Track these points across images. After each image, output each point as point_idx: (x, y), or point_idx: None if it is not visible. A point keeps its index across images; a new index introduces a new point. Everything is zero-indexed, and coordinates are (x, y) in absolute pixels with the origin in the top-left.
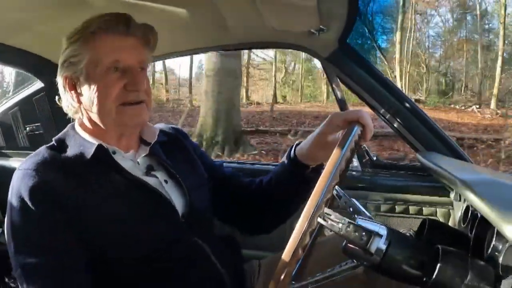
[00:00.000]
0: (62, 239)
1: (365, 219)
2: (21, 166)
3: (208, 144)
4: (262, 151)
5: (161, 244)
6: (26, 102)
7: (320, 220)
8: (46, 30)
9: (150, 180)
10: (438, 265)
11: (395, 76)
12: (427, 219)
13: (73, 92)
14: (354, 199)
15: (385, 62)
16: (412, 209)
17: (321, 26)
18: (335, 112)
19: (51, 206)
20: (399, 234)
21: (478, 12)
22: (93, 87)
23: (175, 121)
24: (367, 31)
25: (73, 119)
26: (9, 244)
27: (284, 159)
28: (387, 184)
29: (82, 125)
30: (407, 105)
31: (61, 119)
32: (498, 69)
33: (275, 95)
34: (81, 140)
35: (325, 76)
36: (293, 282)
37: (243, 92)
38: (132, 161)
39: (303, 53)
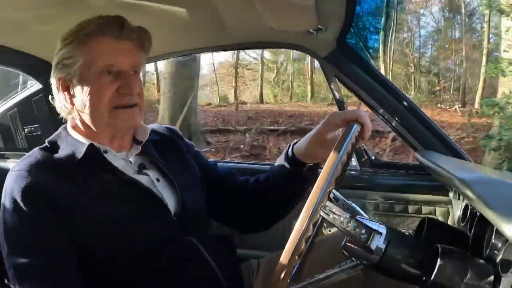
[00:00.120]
0: (54, 240)
1: (365, 218)
2: (14, 168)
3: None
4: (212, 149)
5: (153, 243)
6: (24, 103)
7: (322, 213)
8: (44, 31)
9: (142, 179)
10: (438, 264)
11: None
12: (426, 218)
13: (66, 93)
14: (352, 202)
15: (372, 62)
16: (411, 208)
17: (319, 26)
18: (333, 111)
19: (43, 207)
20: (398, 233)
21: (463, 11)
22: (86, 90)
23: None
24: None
25: (65, 120)
26: (3, 245)
27: (281, 157)
28: (386, 183)
29: (75, 126)
30: (406, 104)
31: (60, 121)
32: (482, 69)
33: (261, 95)
34: (73, 141)
35: (309, 75)
36: (293, 282)
37: (231, 91)
38: (124, 160)
39: (294, 53)
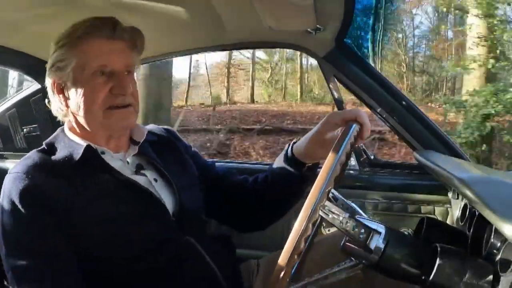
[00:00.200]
0: (52, 242)
1: (364, 218)
2: (12, 170)
3: None
4: None
5: (152, 244)
6: (23, 103)
7: (321, 213)
8: (43, 31)
9: (139, 179)
10: (437, 263)
11: None
12: (425, 217)
13: (61, 96)
14: (351, 202)
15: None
16: (410, 207)
17: (317, 26)
18: (333, 111)
19: (41, 209)
20: (397, 232)
21: (452, 10)
22: (80, 92)
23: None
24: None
25: (63, 122)
26: (1, 247)
27: (280, 157)
28: (385, 183)
29: (71, 128)
30: (404, 103)
31: (58, 121)
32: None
33: (252, 95)
34: (71, 142)
35: (299, 75)
36: (292, 282)
37: (224, 92)
38: (121, 160)
39: (287, 53)
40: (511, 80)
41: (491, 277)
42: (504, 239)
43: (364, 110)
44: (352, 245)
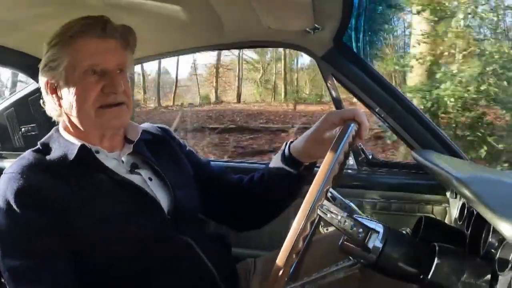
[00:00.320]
0: (48, 243)
1: (362, 217)
2: (7, 170)
3: None
4: None
5: (147, 243)
6: (21, 102)
7: (319, 212)
8: (40, 30)
9: (134, 178)
10: (435, 262)
11: None
12: (423, 217)
13: (54, 95)
14: (349, 201)
15: None
16: (408, 207)
17: (316, 25)
18: (331, 110)
19: (36, 209)
20: (395, 232)
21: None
22: (72, 91)
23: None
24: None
25: (57, 122)
26: None
27: (277, 155)
28: (383, 182)
29: (66, 128)
30: (403, 103)
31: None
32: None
33: (238, 95)
34: (65, 142)
35: (283, 75)
36: (290, 281)
37: (212, 91)
38: (116, 160)
39: (277, 53)
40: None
41: (489, 276)
42: (502, 239)
43: (363, 110)
44: (350, 245)
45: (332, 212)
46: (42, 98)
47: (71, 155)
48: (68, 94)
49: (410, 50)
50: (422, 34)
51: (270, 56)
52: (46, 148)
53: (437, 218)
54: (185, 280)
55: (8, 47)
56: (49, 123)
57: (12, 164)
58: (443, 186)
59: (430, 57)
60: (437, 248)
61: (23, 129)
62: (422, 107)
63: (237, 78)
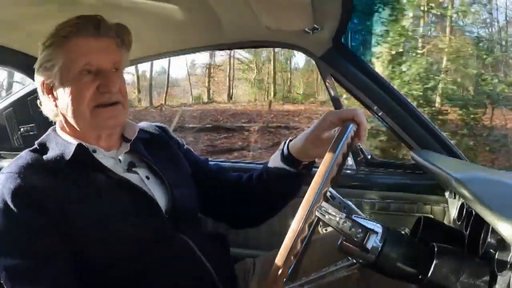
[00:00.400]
0: (46, 242)
1: (361, 217)
2: (4, 170)
3: None
4: None
5: (145, 242)
6: (20, 102)
7: (318, 214)
8: (39, 30)
9: (131, 177)
10: (434, 262)
11: None
12: (422, 217)
13: (50, 96)
14: (348, 200)
15: None
16: (407, 207)
17: (315, 25)
18: (329, 110)
19: (34, 209)
20: (394, 232)
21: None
22: (67, 91)
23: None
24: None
25: (54, 122)
26: None
27: (276, 154)
28: (382, 182)
29: (62, 127)
30: (402, 103)
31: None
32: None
33: (229, 95)
34: (62, 141)
35: (273, 75)
36: (289, 281)
37: (205, 92)
38: (113, 159)
39: (270, 53)
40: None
41: (488, 276)
42: (501, 239)
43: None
44: (349, 245)
45: (330, 214)
46: (39, 98)
47: (68, 155)
48: (64, 94)
49: (372, 48)
50: (379, 34)
51: (266, 56)
52: (43, 148)
53: (436, 218)
54: (183, 280)
55: (6, 47)
56: (47, 123)
57: (9, 164)
58: (442, 186)
59: (387, 56)
60: (436, 248)
61: (22, 129)
62: None
63: (228, 78)
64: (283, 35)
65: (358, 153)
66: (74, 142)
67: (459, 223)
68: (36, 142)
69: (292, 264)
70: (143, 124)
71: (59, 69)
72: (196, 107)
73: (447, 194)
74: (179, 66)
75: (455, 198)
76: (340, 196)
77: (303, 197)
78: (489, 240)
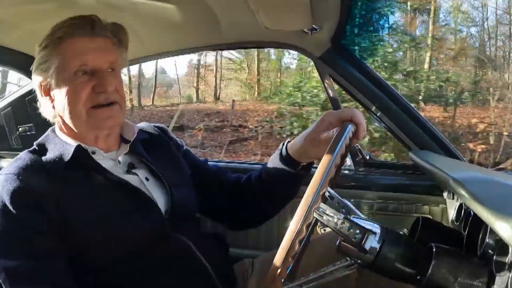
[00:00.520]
0: (45, 243)
1: (359, 218)
2: (3, 171)
3: None
4: None
5: (144, 243)
6: (18, 102)
7: (316, 215)
8: (37, 29)
9: (131, 179)
10: (432, 263)
11: None
12: (420, 217)
13: (48, 97)
14: (346, 200)
15: None
16: (405, 207)
17: (314, 26)
18: (328, 111)
19: (33, 209)
20: (392, 232)
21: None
22: (63, 92)
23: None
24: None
25: (53, 122)
26: None
27: (275, 155)
28: (380, 183)
29: (61, 128)
30: (400, 104)
31: None
32: (426, 66)
33: (215, 94)
34: (61, 142)
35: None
36: (287, 281)
37: (193, 92)
38: (112, 160)
39: (260, 53)
40: None
41: (486, 277)
42: (499, 239)
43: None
44: (347, 245)
45: (328, 214)
46: (37, 100)
47: (67, 156)
48: (60, 95)
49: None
50: None
51: (261, 57)
52: (42, 149)
53: (434, 219)
54: (182, 280)
55: (4, 46)
56: (46, 123)
57: (8, 165)
58: (440, 186)
59: None
60: (434, 248)
61: (20, 129)
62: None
63: (215, 78)
64: (282, 36)
65: (356, 153)
66: (73, 143)
67: (458, 223)
68: (35, 143)
69: (291, 264)
70: (142, 125)
71: (54, 70)
72: (181, 106)
73: (445, 194)
74: (174, 67)
75: (453, 198)
76: (338, 197)
77: (302, 197)
78: (487, 240)
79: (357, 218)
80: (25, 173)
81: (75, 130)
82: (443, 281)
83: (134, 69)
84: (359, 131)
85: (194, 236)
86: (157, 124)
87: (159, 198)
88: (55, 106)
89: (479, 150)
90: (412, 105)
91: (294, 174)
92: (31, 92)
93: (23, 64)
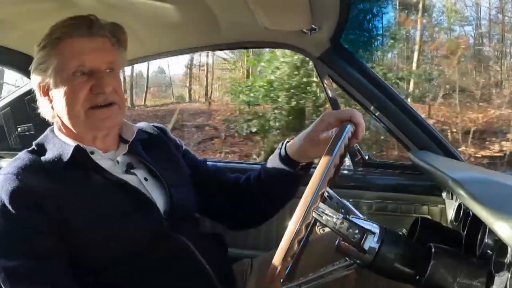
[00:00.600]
0: (45, 243)
1: (358, 218)
2: (2, 171)
3: None
4: None
5: (143, 243)
6: (18, 102)
7: (315, 215)
8: (36, 29)
9: (129, 179)
10: (431, 263)
11: None
12: (419, 217)
13: (46, 98)
14: (345, 200)
15: None
16: (404, 208)
17: (313, 26)
18: (327, 111)
19: (32, 209)
20: (391, 232)
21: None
22: (62, 93)
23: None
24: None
25: (52, 122)
26: None
27: (274, 155)
28: (379, 183)
29: (60, 128)
30: (399, 104)
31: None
32: (414, 65)
33: (206, 95)
34: (60, 142)
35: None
36: (286, 281)
37: (186, 92)
38: (111, 160)
39: (251, 53)
40: None
41: (485, 277)
42: (498, 239)
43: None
44: (347, 245)
45: (327, 214)
46: (37, 100)
47: (66, 156)
48: (58, 96)
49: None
50: None
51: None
52: (41, 149)
53: (433, 219)
54: (181, 280)
55: (3, 46)
56: (45, 123)
57: (7, 165)
58: (439, 187)
59: None
60: (433, 249)
61: (19, 129)
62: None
63: (206, 78)
64: (281, 36)
65: (355, 153)
66: (72, 143)
67: (457, 223)
68: (34, 143)
69: (290, 264)
70: (141, 125)
71: (53, 71)
72: (171, 106)
73: (444, 194)
74: (167, 67)
75: (452, 198)
76: (337, 197)
77: (301, 197)
78: (486, 240)
79: (356, 218)
80: (24, 173)
81: (74, 131)
82: (442, 281)
83: (127, 69)
84: (358, 131)
85: (194, 236)
86: (156, 124)
87: (158, 198)
88: (53, 106)
89: None
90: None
91: (293, 174)
92: (30, 92)
93: (23, 64)
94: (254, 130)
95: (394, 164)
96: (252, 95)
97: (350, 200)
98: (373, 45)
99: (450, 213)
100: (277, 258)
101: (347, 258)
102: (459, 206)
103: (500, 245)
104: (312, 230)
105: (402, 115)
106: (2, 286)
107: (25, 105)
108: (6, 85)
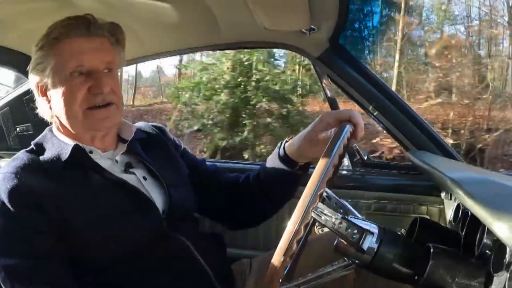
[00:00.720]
0: (44, 242)
1: (357, 218)
2: (1, 171)
3: None
4: None
5: (142, 242)
6: (16, 102)
7: (314, 215)
8: (35, 29)
9: (128, 178)
10: (430, 263)
11: None
12: (418, 218)
13: (45, 98)
14: (344, 201)
15: None
16: (403, 208)
17: (312, 26)
18: (326, 111)
19: (31, 209)
20: (390, 233)
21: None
22: (60, 93)
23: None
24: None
25: (50, 122)
26: None
27: (273, 155)
28: (378, 183)
29: (58, 128)
30: (398, 104)
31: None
32: (396, 64)
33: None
34: (58, 142)
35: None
36: (285, 282)
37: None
38: (110, 159)
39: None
40: None
41: (483, 277)
42: (496, 239)
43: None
44: (345, 245)
45: (326, 214)
46: (35, 99)
47: (65, 155)
48: (56, 96)
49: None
50: None
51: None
52: (40, 148)
53: (432, 219)
54: (180, 279)
55: (2, 46)
56: (44, 123)
57: (6, 165)
58: (438, 187)
59: None
60: (431, 249)
61: (18, 128)
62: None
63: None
64: (280, 36)
65: (354, 153)
66: (70, 143)
67: (455, 224)
68: (32, 143)
69: (288, 264)
70: (140, 124)
71: (51, 71)
72: (156, 106)
73: (443, 195)
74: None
75: (451, 199)
76: (336, 197)
77: (300, 197)
78: (485, 241)
79: (355, 218)
80: (23, 172)
81: (72, 131)
82: (440, 281)
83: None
84: (357, 131)
85: (193, 236)
86: (155, 124)
87: (157, 198)
88: (51, 106)
89: None
90: None
91: (292, 174)
92: (28, 92)
93: (21, 64)
94: (196, 128)
95: (393, 165)
96: (187, 95)
97: (349, 200)
98: (372, 45)
99: (449, 213)
100: (276, 258)
101: (345, 258)
102: (458, 206)
103: (498, 245)
104: (311, 230)
105: (401, 115)
106: (2, 285)
107: (23, 105)
108: (1, 86)
